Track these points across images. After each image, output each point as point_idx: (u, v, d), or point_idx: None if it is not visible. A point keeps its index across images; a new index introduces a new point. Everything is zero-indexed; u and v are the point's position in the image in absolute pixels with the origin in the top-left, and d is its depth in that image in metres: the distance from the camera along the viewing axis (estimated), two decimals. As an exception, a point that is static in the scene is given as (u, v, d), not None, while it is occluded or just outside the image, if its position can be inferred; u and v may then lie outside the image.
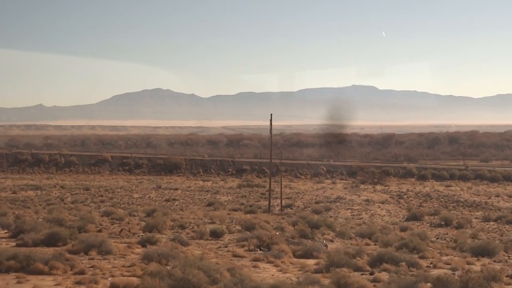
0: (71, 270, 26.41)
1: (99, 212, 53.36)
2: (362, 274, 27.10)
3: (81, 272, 26.10)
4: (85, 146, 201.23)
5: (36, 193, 77.64)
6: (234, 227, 43.34)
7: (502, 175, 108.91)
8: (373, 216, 59.10)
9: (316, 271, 27.88)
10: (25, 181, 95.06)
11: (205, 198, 76.01)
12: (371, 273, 27.21)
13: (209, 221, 48.14)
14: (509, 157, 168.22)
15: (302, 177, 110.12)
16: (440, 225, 52.57)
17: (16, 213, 49.05)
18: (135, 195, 77.54)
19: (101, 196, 75.95)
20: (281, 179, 70.46)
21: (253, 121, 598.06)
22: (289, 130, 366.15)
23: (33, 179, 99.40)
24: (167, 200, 72.68)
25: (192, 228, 43.33)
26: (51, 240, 33.70)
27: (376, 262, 28.96)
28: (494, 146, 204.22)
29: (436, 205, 69.63)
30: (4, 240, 35.14)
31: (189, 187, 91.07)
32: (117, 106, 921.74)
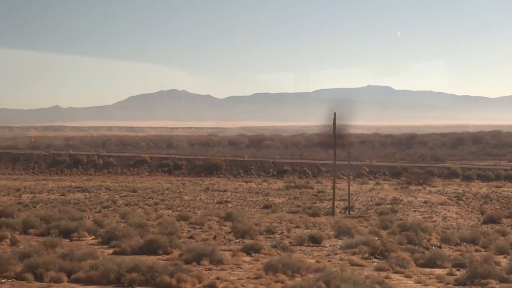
0: (199, 283, 24.30)
1: (173, 217, 50.82)
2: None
3: (212, 286, 23.97)
4: (106, 147, 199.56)
5: (85, 195, 75.81)
6: (329, 232, 40.46)
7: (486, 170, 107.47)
8: (445, 219, 56.61)
9: (459, 283, 25.57)
10: (66, 183, 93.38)
11: (257, 200, 73.93)
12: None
13: (293, 225, 45.81)
14: None
15: (345, 177, 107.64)
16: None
17: (93, 217, 46.55)
18: (186, 197, 75.40)
19: (151, 198, 73.94)
20: (348, 181, 67.85)
21: (269, 121, 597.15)
22: (305, 130, 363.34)
23: (74, 181, 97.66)
24: (219, 202, 70.76)
25: (282, 233, 41.09)
26: (149, 248, 31.57)
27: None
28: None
29: (498, 207, 67.09)
30: (97, 247, 32.96)
31: (237, 188, 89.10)
32: (133, 107, 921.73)
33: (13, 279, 24.24)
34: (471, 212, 62.93)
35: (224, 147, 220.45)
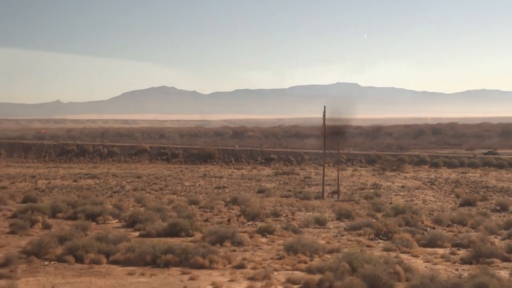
0: (229, 263, 23.49)
1: (182, 201, 49.56)
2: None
3: (241, 266, 23.17)
4: (105, 138, 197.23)
5: (95, 181, 74.29)
6: (330, 214, 39.42)
7: (508, 162, 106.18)
8: (425, 202, 55.85)
9: (465, 262, 24.91)
10: (76, 170, 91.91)
11: (251, 186, 72.79)
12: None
13: (295, 208, 44.91)
14: (491, 146, 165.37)
15: (326, 165, 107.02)
16: (497, 210, 49.01)
17: (110, 202, 45.39)
18: (186, 183, 74.15)
19: (155, 184, 72.67)
20: (338, 168, 66.92)
21: (250, 114, 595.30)
22: (282, 122, 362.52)
23: (82, 168, 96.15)
24: (217, 188, 69.48)
25: (286, 215, 40.15)
26: (172, 231, 30.68)
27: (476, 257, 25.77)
28: (474, 136, 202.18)
29: (467, 191, 66.48)
30: (123, 230, 32.00)
31: (230, 175, 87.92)
32: (126, 102, 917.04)
33: (55, 262, 23.32)
34: (447, 195, 62.03)
35: (210, 137, 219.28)
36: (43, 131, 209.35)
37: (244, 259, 24.12)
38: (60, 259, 23.44)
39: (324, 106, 64.42)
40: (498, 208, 49.95)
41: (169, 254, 23.03)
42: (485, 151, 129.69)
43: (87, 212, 35.72)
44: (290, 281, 20.44)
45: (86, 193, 52.72)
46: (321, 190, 62.56)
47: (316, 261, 23.80)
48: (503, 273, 21.51)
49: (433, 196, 60.75)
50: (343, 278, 19.84)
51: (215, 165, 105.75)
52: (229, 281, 20.59)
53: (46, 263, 23.01)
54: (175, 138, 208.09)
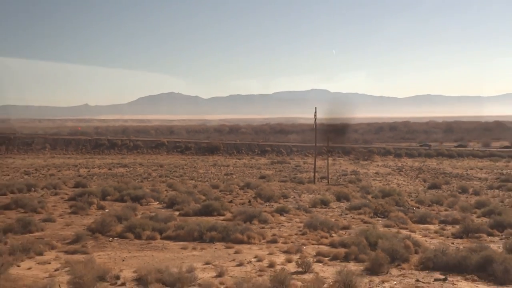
0: (263, 239, 22.49)
1: (204, 186, 47.98)
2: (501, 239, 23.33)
3: (274, 241, 22.18)
4: (126, 133, 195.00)
5: (125, 169, 72.62)
6: (330, 196, 38.01)
7: (456, 153, 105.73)
8: (399, 185, 54.50)
9: (456, 237, 23.98)
10: (108, 160, 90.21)
11: (253, 172, 71.14)
12: (507, 237, 23.33)
13: (299, 191, 43.64)
14: (437, 140, 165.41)
15: (310, 155, 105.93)
16: (459, 192, 47.68)
17: (148, 187, 43.89)
18: (200, 171, 72.53)
19: (175, 171, 71.07)
20: (327, 158, 65.66)
21: (241, 115, 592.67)
22: (268, 121, 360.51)
23: (113, 159, 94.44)
24: (226, 174, 67.60)
25: (294, 197, 38.87)
26: (206, 211, 29.61)
27: (498, 227, 24.95)
28: (423, 132, 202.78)
29: (429, 176, 65.28)
30: (164, 210, 30.80)
31: (235, 164, 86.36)
32: (142, 105, 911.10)
33: (118, 238, 22.27)
34: (414, 180, 60.69)
35: (211, 133, 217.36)
36: (79, 128, 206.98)
37: (274, 235, 23.15)
38: (120, 236, 22.42)
39: (315, 108, 63.26)
40: (459, 190, 48.46)
41: (213, 231, 22.05)
42: (422, 143, 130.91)
43: (132, 195, 34.60)
44: (320, 254, 19.47)
45: (125, 179, 51.23)
46: (312, 176, 61.41)
47: (336, 237, 22.84)
48: (493, 247, 20.46)
49: (404, 181, 59.32)
50: (365, 252, 18.96)
51: (221, 156, 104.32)
52: (268, 254, 19.59)
53: (110, 239, 21.96)
54: (182, 134, 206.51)
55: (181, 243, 21.36)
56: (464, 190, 48.40)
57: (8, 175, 60.06)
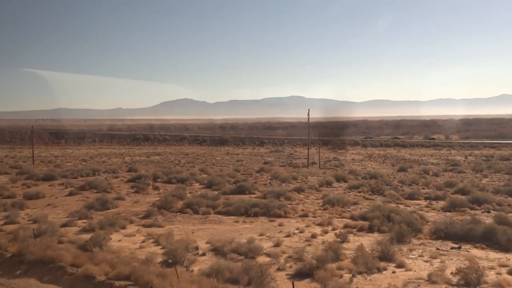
0: (296, 213, 21.17)
1: (230, 169, 46.23)
2: (482, 213, 22.22)
3: (305, 214, 20.84)
4: (152, 130, 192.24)
5: (159, 157, 70.65)
6: (330, 178, 35.86)
7: (409, 143, 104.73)
8: (374, 169, 52.74)
9: (445, 210, 22.76)
10: (144, 151, 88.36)
11: (258, 159, 69.06)
12: (487, 211, 22.24)
13: (303, 174, 41.68)
14: (389, 134, 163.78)
15: (297, 146, 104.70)
16: (421, 174, 45.40)
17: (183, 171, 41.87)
18: (217, 158, 70.70)
19: (198, 159, 69.18)
20: (318, 148, 64.30)
21: (238, 115, 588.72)
22: (259, 121, 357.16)
23: (148, 149, 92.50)
24: (237, 161, 65.51)
25: (301, 179, 37.00)
26: (238, 190, 28.22)
27: (476, 203, 23.81)
28: (378, 128, 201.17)
29: (393, 162, 63.48)
30: (210, 190, 29.22)
31: (242, 152, 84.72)
32: (162, 108, 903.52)
33: (179, 213, 20.91)
34: (384, 164, 59.18)
35: (216, 130, 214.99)
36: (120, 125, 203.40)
37: (302, 210, 21.88)
38: (181, 211, 21.07)
39: (308, 110, 61.61)
40: (422, 173, 46.48)
41: (256, 208, 20.75)
42: (366, 136, 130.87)
43: (178, 178, 33.13)
44: (347, 226, 18.25)
45: (166, 165, 49.55)
46: (305, 162, 60.05)
47: (354, 211, 21.60)
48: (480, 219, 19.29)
49: (376, 165, 57.67)
50: (385, 224, 17.75)
51: (230, 147, 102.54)
52: (306, 226, 18.32)
53: (174, 214, 20.60)
54: (195, 130, 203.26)
55: (232, 217, 20.08)
56: (425, 172, 46.60)
57: (70, 162, 58.34)
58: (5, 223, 17.79)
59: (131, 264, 10.09)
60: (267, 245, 14.98)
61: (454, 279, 11.34)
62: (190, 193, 27.04)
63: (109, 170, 39.72)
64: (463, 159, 66.91)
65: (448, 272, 11.84)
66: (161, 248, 13.92)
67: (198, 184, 32.44)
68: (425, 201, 25.83)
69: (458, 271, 11.27)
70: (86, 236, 14.78)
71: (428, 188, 31.46)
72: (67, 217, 19.45)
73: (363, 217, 19.32)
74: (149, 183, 29.71)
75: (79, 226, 17.61)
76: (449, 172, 48.14)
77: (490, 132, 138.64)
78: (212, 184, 30.58)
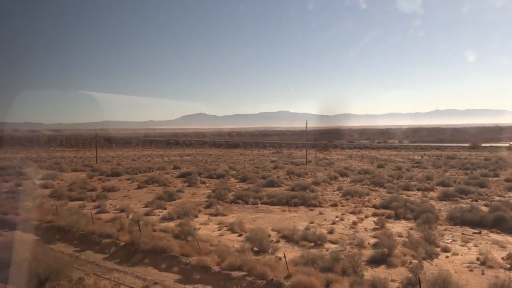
0: (326, 202, 19.42)
1: (251, 166, 43.88)
2: (472, 201, 20.66)
3: (335, 204, 19.16)
4: (177, 137, 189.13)
5: (190, 157, 67.96)
6: (334, 173, 33.85)
7: (376, 146, 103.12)
8: (359, 166, 50.10)
9: (440, 199, 20.95)
10: (176, 152, 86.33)
11: (265, 158, 66.07)
12: (475, 200, 20.73)
13: (311, 170, 39.66)
14: (357, 140, 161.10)
15: (293, 148, 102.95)
16: (396, 170, 43.73)
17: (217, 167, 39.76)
18: (234, 158, 68.15)
19: (220, 158, 66.45)
20: (316, 150, 62.21)
21: (241, 125, 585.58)
22: (257, 129, 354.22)
23: (179, 151, 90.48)
24: (251, 160, 62.42)
25: (311, 175, 34.72)
26: (269, 184, 26.40)
27: (462, 193, 22.21)
28: (348, 134, 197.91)
29: (369, 160, 60.44)
30: (238, 183, 27.48)
31: (251, 154, 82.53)
32: (183, 120, 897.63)
33: (232, 204, 19.22)
34: (362, 162, 56.63)
35: (225, 136, 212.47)
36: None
37: (330, 200, 20.23)
38: (233, 202, 19.39)
39: (306, 120, 59.59)
40: (396, 169, 44.05)
41: (295, 199, 19.12)
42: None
43: (217, 174, 31.38)
44: (375, 214, 16.66)
45: (197, 163, 47.21)
46: (303, 160, 57.88)
47: (373, 201, 19.93)
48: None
49: (358, 163, 55.28)
50: (407, 212, 16.17)
51: (241, 149, 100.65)
52: (342, 214, 16.71)
53: (229, 204, 18.93)
54: (209, 137, 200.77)
55: (276, 207, 18.43)
56: (399, 168, 44.31)
57: (123, 161, 56.23)
58: (97, 212, 16.08)
59: (237, 255, 8.48)
60: (322, 231, 13.36)
61: (506, 263, 9.78)
62: (231, 186, 25.35)
63: (160, 168, 37.87)
64: (420, 158, 65.12)
65: (492, 256, 10.26)
66: (238, 235, 12.28)
67: (233, 178, 30.67)
68: (418, 192, 24.21)
69: (509, 256, 9.70)
70: (169, 224, 13.12)
71: (412, 181, 29.64)
72: (145, 206, 17.76)
73: (385, 206, 17.74)
74: (197, 178, 27.93)
75: (157, 215, 15.93)
76: (416, 168, 46.05)
77: (431, 138, 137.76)
78: (246, 178, 28.88)
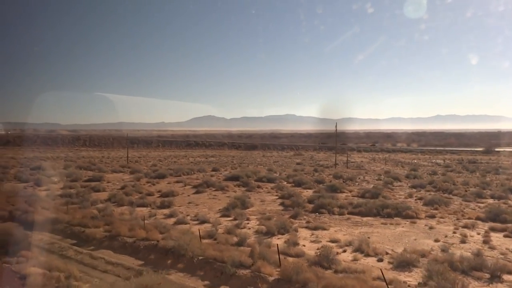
0: (350, 192, 16.65)
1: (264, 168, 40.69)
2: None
3: (432, 216, 16.23)
4: (189, 138, 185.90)
5: (214, 158, 64.29)
6: None
7: (363, 149, 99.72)
8: (385, 169, 45.84)
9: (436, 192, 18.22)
10: (197, 153, 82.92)
11: (288, 160, 62.11)
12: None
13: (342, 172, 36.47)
14: (365, 143, 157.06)
15: (310, 150, 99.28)
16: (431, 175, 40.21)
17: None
18: (258, 159, 63.81)
19: (244, 160, 62.63)
20: (347, 152, 58.77)
21: (249, 128, 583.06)
22: (266, 132, 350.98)
23: (200, 152, 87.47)
24: (275, 161, 57.83)
25: (359, 178, 31.63)
26: (331, 189, 23.28)
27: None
28: (354, 138, 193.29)
29: (394, 163, 54.84)
30: (293, 187, 24.55)
31: (272, 155, 78.71)
32: (193, 122, 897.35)
33: (317, 213, 16.41)
34: (387, 166, 51.93)
35: (236, 138, 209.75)
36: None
37: (423, 211, 17.16)
38: (313, 211, 16.53)
39: (336, 123, 56.11)
40: (431, 173, 38.68)
41: (387, 209, 16.26)
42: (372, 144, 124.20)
43: (267, 178, 28.20)
44: (493, 228, 13.77)
45: (229, 164, 43.84)
46: (326, 163, 53.89)
47: (473, 212, 16.91)
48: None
49: (382, 166, 49.05)
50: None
51: (259, 150, 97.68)
52: (455, 229, 13.80)
53: (315, 214, 16.09)
54: (220, 138, 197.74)
55: (368, 218, 15.59)
56: (434, 173, 39.22)
57: (150, 161, 53.43)
58: (175, 223, 13.37)
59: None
60: (465, 253, 10.51)
61: None
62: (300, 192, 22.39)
63: (201, 169, 35.09)
64: (443, 162, 61.05)
65: None
66: (377, 260, 9.49)
67: (285, 182, 27.67)
68: (492, 199, 21.08)
69: None
70: (272, 240, 10.33)
71: (471, 187, 26.23)
72: (222, 216, 15.05)
73: (491, 219, 14.84)
74: (251, 182, 25.13)
75: (248, 228, 13.19)
76: (450, 173, 42.15)
77: (438, 142, 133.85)
78: (301, 183, 25.95)
